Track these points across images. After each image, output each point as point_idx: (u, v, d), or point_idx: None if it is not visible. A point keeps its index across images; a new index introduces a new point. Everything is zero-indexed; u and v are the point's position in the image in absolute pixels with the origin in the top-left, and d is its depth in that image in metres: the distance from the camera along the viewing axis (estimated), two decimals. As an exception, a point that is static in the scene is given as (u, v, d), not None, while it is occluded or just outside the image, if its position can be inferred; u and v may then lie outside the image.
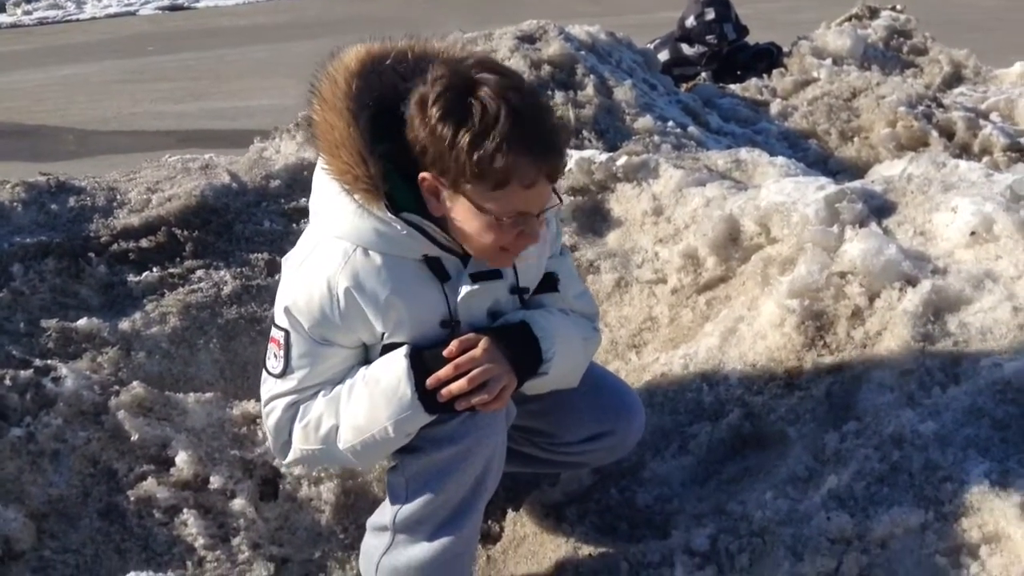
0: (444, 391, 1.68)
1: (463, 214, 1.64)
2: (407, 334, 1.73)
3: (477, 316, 1.79)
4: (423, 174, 1.62)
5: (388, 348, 1.74)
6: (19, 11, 14.28)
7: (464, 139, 1.54)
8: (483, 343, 1.70)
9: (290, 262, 1.78)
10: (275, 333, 1.77)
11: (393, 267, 1.69)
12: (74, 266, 2.69)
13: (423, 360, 1.70)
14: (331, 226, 1.72)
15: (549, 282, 1.90)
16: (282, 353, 1.75)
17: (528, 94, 1.62)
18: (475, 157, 1.54)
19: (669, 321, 2.70)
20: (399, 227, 1.65)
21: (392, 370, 1.70)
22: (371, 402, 1.70)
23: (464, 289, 1.73)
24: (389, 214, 1.64)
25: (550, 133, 1.62)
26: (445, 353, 1.68)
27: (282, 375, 1.76)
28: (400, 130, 1.63)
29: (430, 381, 1.68)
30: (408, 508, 1.80)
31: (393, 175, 1.65)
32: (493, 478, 1.83)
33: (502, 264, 1.75)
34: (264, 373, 1.81)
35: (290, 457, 1.83)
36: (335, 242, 1.70)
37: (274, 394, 1.79)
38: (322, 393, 1.76)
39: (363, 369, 1.75)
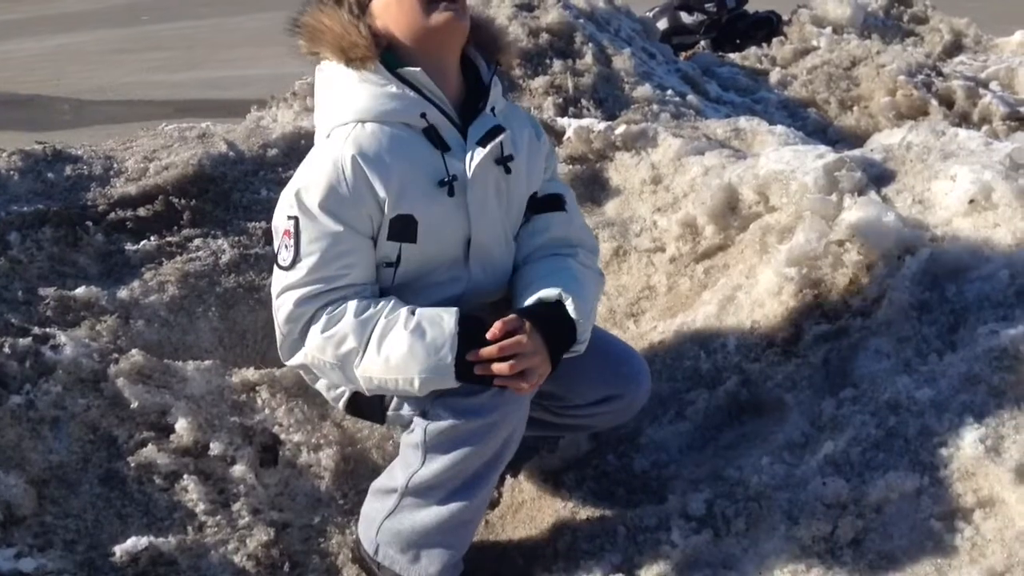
0: (484, 368, 1.70)
1: (387, 8, 1.79)
2: (409, 200, 1.77)
3: (480, 188, 1.83)
4: (363, 20, 1.79)
5: (395, 227, 1.77)
6: (12, -21, 14.15)
7: None
8: (528, 330, 1.73)
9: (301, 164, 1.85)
10: (285, 224, 1.77)
11: (394, 135, 1.78)
12: (72, 234, 2.69)
13: (470, 327, 1.72)
14: (331, 114, 1.82)
15: (555, 202, 1.99)
16: (292, 242, 1.76)
17: None
18: None
19: (667, 290, 2.70)
20: (394, 87, 1.78)
21: (440, 328, 1.71)
22: (410, 350, 1.70)
23: (478, 153, 1.80)
24: (385, 71, 1.78)
25: None
26: (488, 335, 1.70)
27: (292, 265, 1.76)
28: None
29: (476, 355, 1.70)
30: (423, 472, 1.81)
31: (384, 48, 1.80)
32: (510, 453, 1.85)
33: (453, 30, 1.80)
34: (275, 268, 1.81)
35: (296, 359, 1.83)
36: (337, 129, 1.79)
37: (284, 286, 1.78)
38: (352, 310, 1.74)
39: (406, 310, 1.74)
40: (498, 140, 1.82)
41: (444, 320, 1.72)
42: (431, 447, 1.80)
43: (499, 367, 1.70)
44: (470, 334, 1.71)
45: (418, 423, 1.82)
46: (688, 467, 2.14)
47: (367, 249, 1.79)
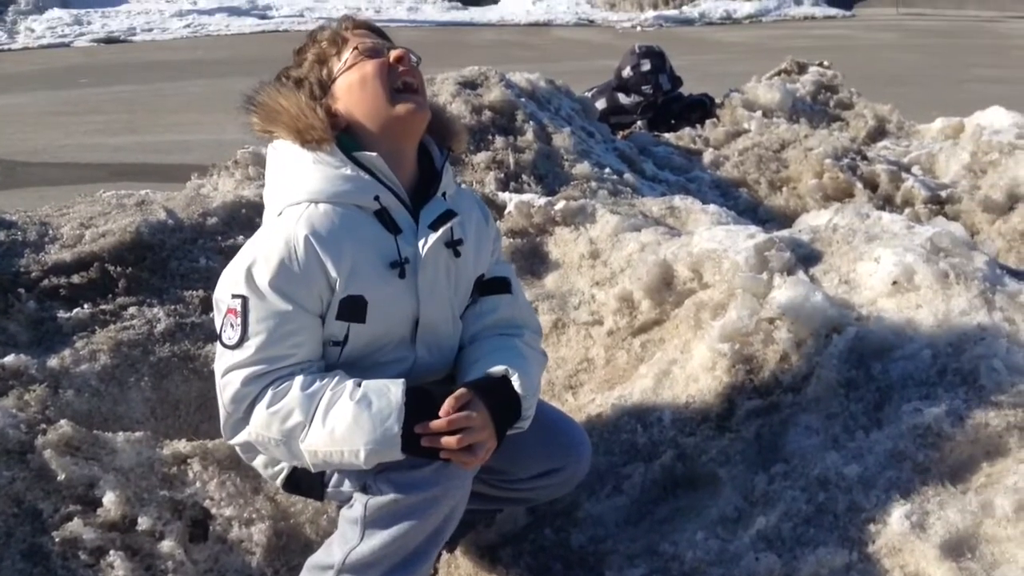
0: (432, 441, 1.70)
1: (350, 91, 1.85)
2: (360, 281, 1.78)
3: (431, 270, 1.86)
4: (320, 101, 1.85)
5: (344, 307, 1.78)
6: (-52, 39, 13.99)
7: (310, 54, 1.91)
8: (476, 404, 1.74)
9: (248, 241, 1.85)
10: (231, 303, 1.75)
11: (346, 216, 1.79)
12: (3, 301, 2.63)
13: (417, 399, 1.72)
14: (284, 194, 1.84)
15: (502, 285, 2.03)
16: (239, 321, 1.74)
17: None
18: (319, 55, 1.89)
19: (605, 362, 2.74)
20: (348, 170, 1.80)
21: (387, 399, 1.70)
22: (355, 420, 1.69)
23: (431, 237, 1.83)
24: (340, 153, 1.81)
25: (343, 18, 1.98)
26: (441, 412, 1.70)
27: (239, 344, 1.74)
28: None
29: (424, 428, 1.70)
30: (361, 549, 1.78)
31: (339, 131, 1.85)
32: (450, 529, 1.84)
33: (416, 120, 1.87)
34: (219, 347, 1.79)
35: (240, 438, 1.80)
36: (289, 208, 1.80)
37: (230, 365, 1.76)
38: (298, 383, 1.73)
39: (351, 382, 1.74)
40: (449, 224, 1.85)
41: (391, 391, 1.72)
42: (370, 522, 1.77)
43: (447, 440, 1.70)
44: (417, 406, 1.71)
45: (358, 498, 1.80)
46: (624, 542, 2.15)
47: (316, 328, 1.79)
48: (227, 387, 1.77)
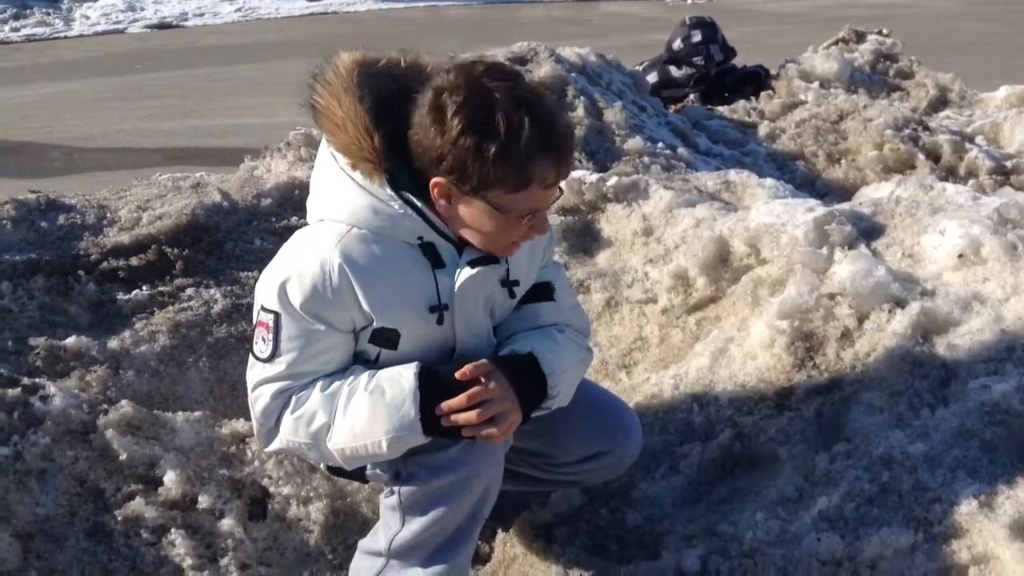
0: (452, 418, 1.68)
1: (478, 216, 1.67)
2: (395, 317, 1.72)
3: (470, 305, 1.79)
4: (436, 179, 1.64)
5: (377, 335, 1.72)
6: (7, 28, 14.27)
7: (491, 151, 1.58)
8: (497, 376, 1.71)
9: (284, 246, 1.79)
10: (263, 317, 1.73)
11: (387, 247, 1.70)
12: (63, 284, 2.68)
13: (431, 380, 1.69)
14: (328, 207, 1.73)
15: (544, 291, 1.93)
16: (271, 336, 1.72)
17: (539, 97, 1.67)
18: (501, 167, 1.60)
19: (659, 341, 2.70)
20: (397, 206, 1.67)
21: (399, 385, 1.69)
22: (371, 412, 1.68)
23: (464, 273, 1.73)
24: (389, 190, 1.67)
25: (565, 134, 1.67)
26: (458, 375, 1.67)
27: (271, 359, 1.73)
28: (396, 123, 1.67)
29: (442, 408, 1.67)
30: (403, 535, 1.78)
31: (393, 157, 1.67)
32: (489, 505, 1.82)
33: (505, 254, 1.76)
34: (251, 358, 1.78)
35: (274, 446, 1.80)
36: (331, 224, 1.71)
37: (262, 379, 1.76)
38: (319, 386, 1.73)
39: (366, 375, 1.72)
40: (492, 265, 1.77)
41: (403, 377, 1.69)
42: (407, 509, 1.77)
43: (467, 416, 1.67)
44: (433, 386, 1.68)
45: (393, 484, 1.80)
46: (681, 522, 2.13)
47: (347, 343, 1.76)
48: (258, 400, 1.78)
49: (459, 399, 1.67)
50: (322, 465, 1.99)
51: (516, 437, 1.86)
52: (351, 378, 1.73)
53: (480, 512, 1.80)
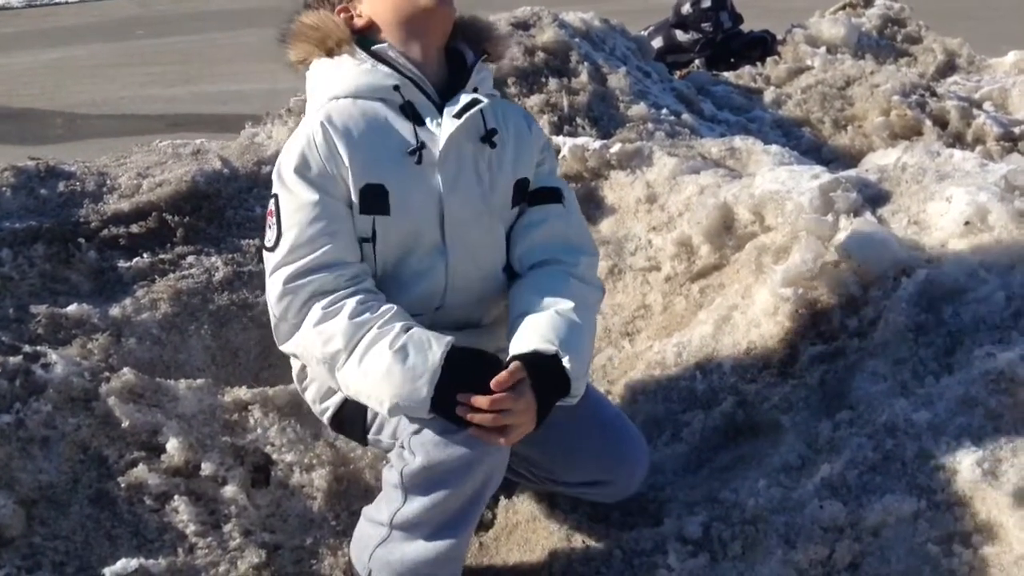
0: (469, 417, 1.65)
1: None
2: (378, 170, 1.78)
3: (453, 158, 1.82)
4: (339, 8, 1.87)
5: (365, 197, 1.77)
6: (8, -7, 14.17)
7: None
8: (524, 389, 1.68)
9: None
10: (270, 205, 1.80)
11: (367, 107, 1.81)
12: (64, 251, 2.67)
13: (458, 361, 1.67)
14: (312, 101, 1.87)
15: (553, 194, 1.96)
16: (274, 221, 1.77)
17: None
18: None
19: (663, 309, 2.69)
20: (368, 65, 1.81)
21: (423, 355, 1.66)
22: (387, 371, 1.66)
23: (444, 123, 1.79)
24: (359, 50, 1.83)
25: None
26: (493, 383, 1.64)
27: (276, 243, 1.76)
28: None
29: (466, 399, 1.64)
30: (406, 510, 1.77)
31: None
32: (493, 488, 1.79)
33: (442, 15, 1.84)
34: (264, 252, 1.82)
35: (288, 347, 1.81)
36: (316, 111, 1.83)
37: (272, 267, 1.77)
38: (348, 308, 1.70)
39: (400, 326, 1.70)
40: (474, 110, 1.80)
41: (432, 349, 1.66)
42: (409, 488, 1.75)
43: (482, 417, 1.65)
44: (459, 368, 1.66)
45: (395, 460, 1.78)
46: (684, 489, 2.13)
47: (346, 217, 1.78)
48: (272, 289, 1.77)
49: (484, 400, 1.64)
50: (325, 418, 1.99)
51: (522, 441, 1.80)
52: (384, 319, 1.71)
53: (483, 494, 1.77)
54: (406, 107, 1.81)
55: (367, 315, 1.71)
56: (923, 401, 2.03)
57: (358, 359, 1.69)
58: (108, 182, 2.99)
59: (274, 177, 1.81)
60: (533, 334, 1.77)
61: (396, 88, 1.80)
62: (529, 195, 1.95)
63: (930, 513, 1.86)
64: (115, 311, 2.53)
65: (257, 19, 11.49)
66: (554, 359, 1.74)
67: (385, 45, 1.83)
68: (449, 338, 1.70)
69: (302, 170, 1.76)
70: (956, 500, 1.86)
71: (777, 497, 1.97)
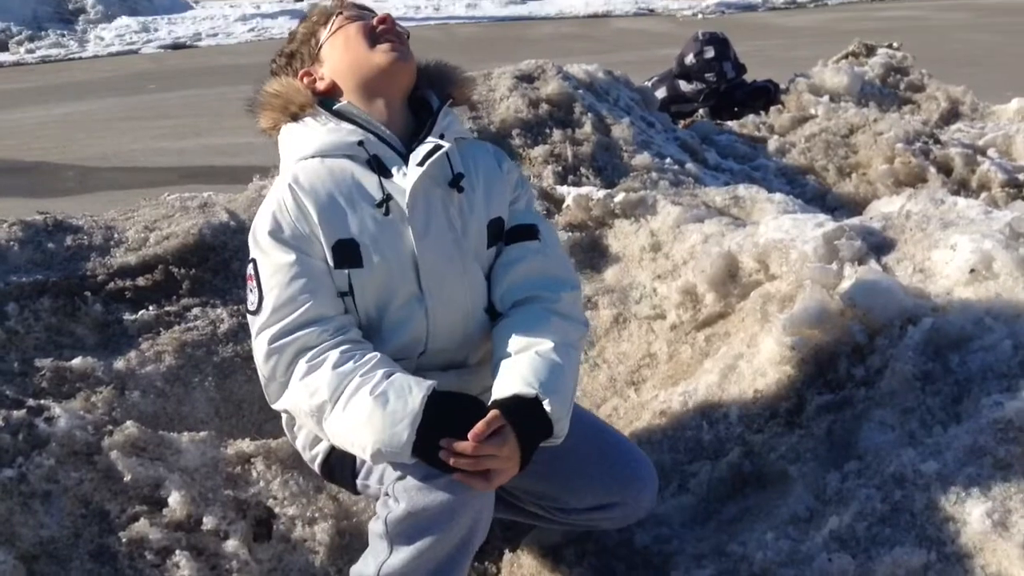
0: (452, 461, 1.64)
1: (333, 50, 1.93)
2: (347, 224, 1.80)
3: (421, 206, 1.83)
4: (301, 73, 1.95)
5: (338, 252, 1.79)
6: (22, 49, 14.41)
7: (300, 29, 2.04)
8: (507, 435, 1.68)
9: None
10: (248, 271, 1.82)
11: (333, 165, 1.84)
12: (70, 305, 2.68)
13: (439, 405, 1.66)
14: (284, 161, 1.91)
15: (529, 232, 1.96)
16: (255, 284, 1.80)
17: None
18: (308, 29, 2.01)
19: (668, 358, 2.68)
20: (332, 124, 1.86)
21: (403, 401, 1.65)
22: (368, 417, 1.66)
23: (408, 172, 1.82)
24: (322, 110, 1.88)
25: None
26: (471, 434, 1.63)
27: (258, 307, 1.78)
28: None
29: (449, 444, 1.63)
30: (392, 561, 1.74)
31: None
32: (481, 534, 1.77)
33: (397, 68, 1.89)
34: (248, 317, 1.84)
35: (279, 405, 1.82)
36: (284, 173, 1.88)
37: (256, 330, 1.79)
38: (331, 360, 1.71)
39: (381, 372, 1.70)
40: (436, 156, 1.81)
41: (412, 394, 1.66)
42: (394, 537, 1.72)
43: (464, 463, 1.64)
44: (440, 413, 1.65)
45: (380, 509, 1.76)
46: (691, 542, 2.10)
47: (324, 273, 1.79)
48: (258, 351, 1.79)
49: (466, 446, 1.64)
50: (315, 465, 1.99)
51: (525, 477, 1.80)
52: (367, 367, 1.71)
53: (470, 542, 1.75)
54: (372, 161, 1.84)
55: (350, 364, 1.72)
56: (931, 451, 2.01)
57: (342, 407, 1.70)
58: (115, 235, 3.01)
59: (250, 242, 1.83)
60: (513, 378, 1.77)
61: (360, 143, 1.84)
62: (506, 233, 1.96)
63: (940, 565, 1.83)
64: (119, 364, 2.53)
65: (266, 73, 11.66)
66: (535, 402, 1.74)
67: (346, 103, 1.88)
68: (431, 382, 1.69)
69: (276, 232, 1.79)
70: (966, 552, 1.83)
71: (785, 550, 1.95)
